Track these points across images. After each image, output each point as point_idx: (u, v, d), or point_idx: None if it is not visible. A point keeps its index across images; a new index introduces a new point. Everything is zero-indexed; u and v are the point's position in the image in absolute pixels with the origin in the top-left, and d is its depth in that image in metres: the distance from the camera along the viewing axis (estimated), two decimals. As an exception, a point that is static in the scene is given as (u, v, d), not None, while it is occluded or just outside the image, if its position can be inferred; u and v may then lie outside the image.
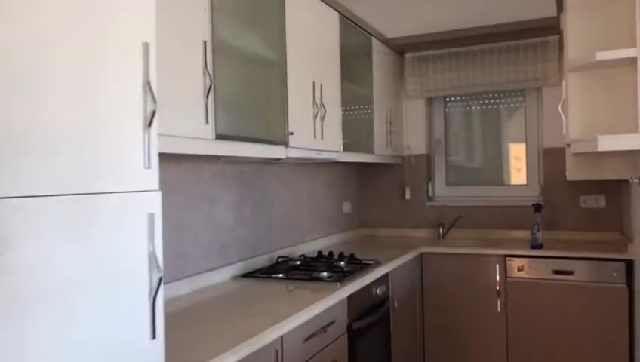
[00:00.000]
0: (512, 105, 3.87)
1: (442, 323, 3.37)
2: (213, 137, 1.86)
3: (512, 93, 3.85)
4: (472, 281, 3.28)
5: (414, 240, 3.67)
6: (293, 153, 2.41)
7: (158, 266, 1.21)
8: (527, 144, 3.81)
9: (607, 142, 2.43)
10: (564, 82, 2.88)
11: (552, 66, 3.56)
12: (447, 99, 4.06)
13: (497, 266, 3.21)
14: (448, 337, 3.35)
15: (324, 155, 2.73)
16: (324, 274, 2.44)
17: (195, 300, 2.07)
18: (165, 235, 2.13)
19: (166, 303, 2.03)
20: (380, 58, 3.59)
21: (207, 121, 1.81)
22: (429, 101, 4.08)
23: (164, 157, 2.09)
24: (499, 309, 3.21)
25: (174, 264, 2.17)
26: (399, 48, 3.87)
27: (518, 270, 3.16)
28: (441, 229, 3.84)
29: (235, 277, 2.51)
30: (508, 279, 3.19)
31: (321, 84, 2.69)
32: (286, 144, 2.36)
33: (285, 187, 3.06)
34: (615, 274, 2.93)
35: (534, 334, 3.12)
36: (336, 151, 2.88)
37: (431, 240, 3.67)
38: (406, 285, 3.16)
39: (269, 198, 2.90)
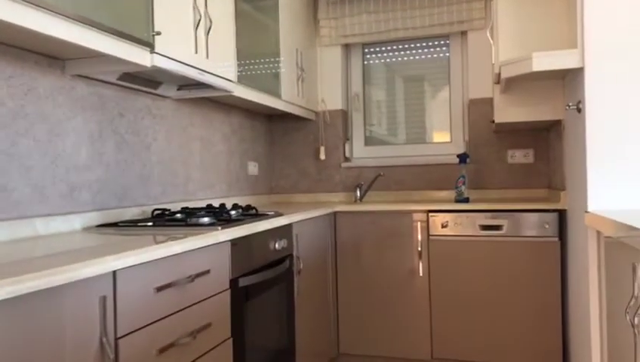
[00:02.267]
0: (435, 55, 3.51)
1: (358, 291, 2.92)
2: (18, -3, 1.28)
3: (436, 43, 3.49)
4: (391, 243, 2.86)
5: (330, 205, 3.20)
6: (161, 62, 1.86)
7: None
8: (450, 95, 3.46)
9: (543, 60, 2.08)
10: (493, 2, 2.52)
11: (477, 7, 3.23)
12: (366, 49, 3.65)
13: (419, 224, 2.81)
14: (365, 306, 2.91)
15: (210, 79, 2.19)
16: (205, 219, 1.91)
17: (15, 248, 1.47)
18: (-33, 157, 1.52)
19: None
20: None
21: (3, -31, 1.24)
22: (347, 50, 3.65)
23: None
24: (421, 273, 2.81)
25: (-15, 200, 1.56)
26: (312, -14, 3.41)
27: (442, 227, 2.77)
28: (358, 191, 3.41)
29: (87, 228, 1.92)
30: (431, 238, 2.79)
31: (205, -11, 2.15)
32: (151, 48, 1.80)
33: (168, 129, 2.50)
34: (547, 227, 2.61)
35: (461, 298, 2.74)
36: (229, 80, 2.35)
37: (348, 204, 3.22)
38: (316, 246, 2.68)
39: (144, 139, 2.32)
